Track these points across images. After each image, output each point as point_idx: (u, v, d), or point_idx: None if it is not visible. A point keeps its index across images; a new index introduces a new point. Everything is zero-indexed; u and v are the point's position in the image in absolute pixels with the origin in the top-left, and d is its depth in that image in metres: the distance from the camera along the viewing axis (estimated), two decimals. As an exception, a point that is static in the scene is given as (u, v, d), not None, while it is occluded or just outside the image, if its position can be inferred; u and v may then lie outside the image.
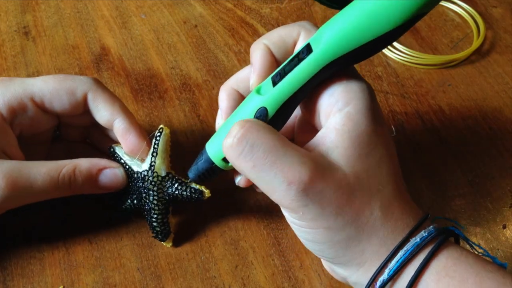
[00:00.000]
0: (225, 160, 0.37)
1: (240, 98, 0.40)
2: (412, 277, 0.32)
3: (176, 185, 0.41)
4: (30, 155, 0.42)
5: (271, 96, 0.34)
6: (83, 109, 0.43)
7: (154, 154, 0.41)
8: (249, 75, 0.38)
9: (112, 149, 0.43)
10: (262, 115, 0.35)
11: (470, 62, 0.58)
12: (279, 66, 0.36)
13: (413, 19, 0.31)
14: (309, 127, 0.38)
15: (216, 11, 0.64)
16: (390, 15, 0.30)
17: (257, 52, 0.38)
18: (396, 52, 0.58)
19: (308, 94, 0.35)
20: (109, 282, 0.42)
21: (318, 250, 0.35)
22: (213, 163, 0.38)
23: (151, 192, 0.41)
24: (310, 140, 0.35)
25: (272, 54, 0.38)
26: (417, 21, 0.31)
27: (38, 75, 0.56)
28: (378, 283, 0.33)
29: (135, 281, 0.42)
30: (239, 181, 0.39)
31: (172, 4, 0.65)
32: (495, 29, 0.61)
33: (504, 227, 0.45)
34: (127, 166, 0.42)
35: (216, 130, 0.39)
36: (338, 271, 0.37)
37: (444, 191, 0.48)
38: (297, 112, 0.41)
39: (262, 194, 0.46)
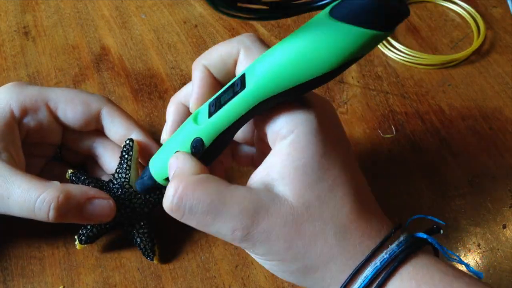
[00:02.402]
0: (167, 179, 0.37)
1: (187, 113, 0.39)
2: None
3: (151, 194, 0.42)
4: (26, 166, 0.42)
5: (206, 127, 0.33)
6: (95, 125, 0.43)
7: (127, 168, 0.41)
8: (223, 55, 0.37)
9: (73, 174, 0.42)
10: (198, 145, 0.34)
11: (470, 62, 0.58)
12: (220, 87, 0.35)
13: (349, 62, 0.29)
14: (265, 141, 0.37)
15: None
16: (323, 59, 0.28)
17: (196, 74, 0.37)
18: (396, 52, 0.58)
19: (247, 122, 0.34)
20: (109, 282, 0.42)
21: (279, 275, 0.35)
22: (156, 181, 0.38)
23: (129, 206, 0.41)
24: (268, 152, 0.34)
25: (212, 76, 0.37)
26: (352, 64, 0.29)
27: (38, 75, 0.56)
28: None
29: (135, 281, 0.42)
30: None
31: (172, 4, 0.65)
32: (495, 29, 0.61)
33: (504, 227, 0.45)
34: (98, 181, 0.42)
35: (161, 143, 0.39)
36: None
37: (444, 191, 0.48)
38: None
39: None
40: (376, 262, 0.31)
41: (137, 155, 0.42)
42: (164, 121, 0.52)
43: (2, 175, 0.38)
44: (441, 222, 0.38)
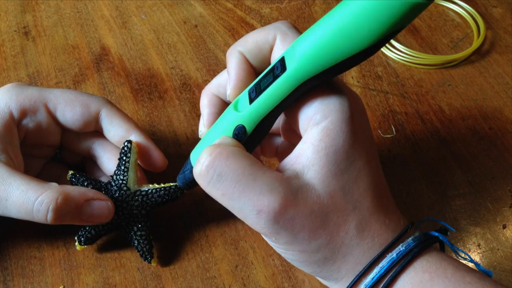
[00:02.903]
0: None
1: (221, 104, 0.39)
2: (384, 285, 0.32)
3: (153, 192, 0.41)
4: (24, 167, 0.42)
5: (248, 113, 0.34)
6: (94, 126, 0.43)
7: (125, 170, 0.41)
8: (258, 41, 0.37)
9: (73, 175, 0.42)
10: (240, 132, 0.34)
11: (470, 62, 0.58)
12: (256, 75, 0.35)
13: (390, 35, 0.28)
14: (293, 129, 0.38)
15: (216, 11, 0.64)
16: (366, 32, 0.28)
17: (232, 61, 0.37)
18: (396, 52, 0.58)
19: (288, 107, 0.34)
20: (109, 282, 0.42)
21: (296, 265, 0.35)
22: None
23: (127, 208, 0.41)
24: (295, 141, 0.35)
25: (248, 63, 0.37)
26: (393, 37, 0.29)
27: (38, 75, 0.56)
28: None
29: (135, 281, 0.42)
30: None
31: (172, 4, 0.65)
32: (495, 29, 0.61)
33: (504, 227, 0.45)
34: (98, 183, 0.42)
35: (199, 137, 0.39)
36: (319, 280, 0.37)
37: (444, 191, 0.48)
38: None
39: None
40: (393, 254, 0.32)
41: (136, 157, 0.42)
42: (164, 121, 0.52)
43: (0, 177, 0.37)
44: (450, 227, 0.38)
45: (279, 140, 0.42)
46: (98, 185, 0.42)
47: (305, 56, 0.30)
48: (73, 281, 0.42)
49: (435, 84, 0.56)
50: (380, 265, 0.32)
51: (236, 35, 0.61)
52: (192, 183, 0.38)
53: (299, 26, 0.62)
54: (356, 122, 0.33)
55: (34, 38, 0.60)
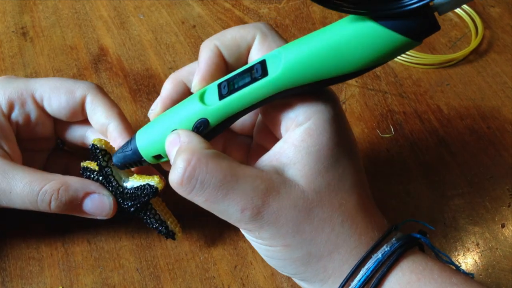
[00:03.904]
0: (155, 157, 0.36)
1: (185, 92, 0.38)
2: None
3: (151, 216, 0.41)
4: (28, 161, 0.42)
5: (216, 108, 0.33)
6: (82, 115, 0.43)
7: (105, 171, 0.40)
8: (237, 38, 0.36)
9: (83, 168, 0.41)
10: (202, 126, 0.33)
11: (468, 62, 0.58)
12: (228, 71, 0.35)
13: (380, 63, 0.29)
14: (269, 132, 0.37)
15: (214, 11, 0.64)
16: (357, 56, 0.29)
17: (206, 53, 0.36)
18: (394, 52, 0.58)
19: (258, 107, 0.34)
20: (108, 283, 0.42)
21: (279, 266, 0.35)
22: (141, 157, 0.36)
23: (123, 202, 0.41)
24: (268, 144, 0.34)
25: (222, 58, 0.36)
26: (378, 66, 0.30)
27: (36, 76, 0.56)
28: None
29: (134, 282, 0.42)
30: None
31: (170, 4, 0.65)
32: (493, 29, 0.61)
33: (503, 226, 0.45)
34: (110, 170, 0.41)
35: (149, 117, 0.38)
36: (302, 286, 0.36)
37: (442, 190, 0.48)
38: (256, 113, 0.40)
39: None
40: (378, 255, 0.32)
41: (109, 155, 0.40)
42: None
43: (2, 171, 0.38)
44: (430, 226, 0.39)
45: (248, 140, 0.41)
46: (108, 179, 0.41)
47: (292, 66, 0.30)
48: (71, 282, 0.42)
49: (434, 83, 0.56)
50: (367, 266, 0.32)
51: (234, 35, 0.61)
52: (130, 164, 0.38)
53: (297, 26, 0.62)
54: (339, 122, 0.33)
55: (32, 39, 0.60)
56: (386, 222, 0.35)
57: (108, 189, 0.40)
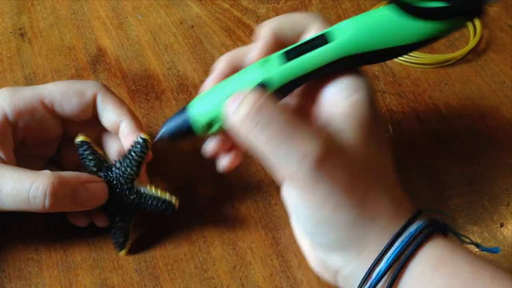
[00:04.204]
0: (207, 126, 0.35)
1: (238, 68, 0.37)
2: (400, 264, 0.32)
3: (147, 197, 0.41)
4: (24, 166, 0.41)
5: (279, 72, 0.34)
6: (91, 113, 0.43)
7: (133, 163, 0.41)
8: (300, 20, 0.37)
9: (81, 142, 0.42)
10: (263, 89, 0.34)
11: (467, 61, 0.58)
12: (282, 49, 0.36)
13: (434, 39, 0.33)
14: (304, 116, 0.38)
15: (212, 11, 0.64)
16: (416, 31, 0.32)
17: (266, 31, 0.37)
18: (392, 52, 0.58)
19: (310, 81, 0.35)
20: (107, 284, 0.42)
21: (321, 232, 0.34)
22: (191, 127, 0.36)
23: (120, 200, 0.41)
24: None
25: (278, 38, 0.37)
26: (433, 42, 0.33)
27: (34, 77, 0.56)
28: (375, 273, 0.33)
29: (133, 282, 0.42)
30: (223, 165, 0.39)
31: (168, 5, 0.65)
32: (491, 28, 0.61)
33: (502, 225, 0.45)
34: (101, 163, 0.42)
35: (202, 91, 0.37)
36: (331, 260, 0.35)
37: (441, 190, 0.48)
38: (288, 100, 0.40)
39: (260, 193, 0.47)
40: (411, 229, 0.33)
41: (146, 156, 0.41)
42: (161, 121, 0.52)
43: None
44: (447, 214, 0.41)
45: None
46: (99, 164, 0.41)
47: (358, 32, 0.33)
48: (70, 283, 0.42)
49: (432, 83, 0.56)
50: (401, 238, 0.33)
51: (232, 36, 0.61)
52: (176, 137, 0.37)
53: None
54: (375, 103, 0.35)
55: (30, 40, 0.60)
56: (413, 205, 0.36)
57: (103, 173, 0.41)
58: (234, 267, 0.43)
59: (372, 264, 0.33)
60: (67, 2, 0.65)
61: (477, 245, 0.38)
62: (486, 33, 0.61)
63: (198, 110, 0.35)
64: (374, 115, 0.34)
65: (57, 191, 0.37)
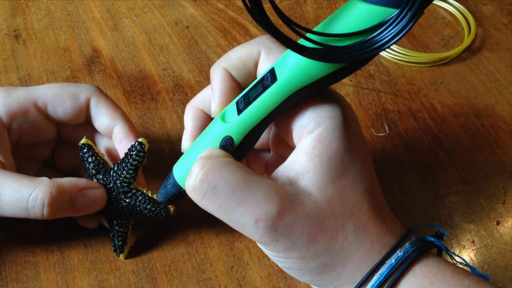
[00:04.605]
0: None
1: (206, 118, 0.38)
2: None
3: (142, 201, 0.41)
4: (21, 171, 0.41)
5: (236, 124, 0.33)
6: (85, 117, 0.43)
7: (129, 166, 0.40)
8: (242, 57, 0.37)
9: (83, 145, 0.42)
10: (227, 144, 0.33)
11: (461, 60, 0.58)
12: (241, 90, 0.35)
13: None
14: (284, 141, 0.37)
15: (207, 11, 0.64)
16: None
17: (217, 77, 0.36)
18: (387, 51, 0.58)
19: (277, 118, 0.34)
20: (104, 286, 0.41)
21: (295, 275, 0.35)
22: (181, 188, 0.37)
23: (117, 203, 0.41)
24: (286, 154, 0.34)
25: (232, 79, 0.36)
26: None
27: (29, 79, 0.56)
28: None
29: (131, 284, 0.42)
30: None
31: (163, 6, 0.64)
32: (485, 27, 0.62)
33: (498, 223, 0.45)
34: (101, 166, 0.42)
35: (182, 151, 0.38)
36: None
37: (437, 188, 0.48)
38: (272, 126, 0.40)
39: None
40: (391, 260, 0.32)
41: (144, 160, 0.41)
42: (157, 122, 0.52)
43: None
44: (444, 232, 0.38)
45: (267, 155, 0.42)
46: (98, 167, 0.41)
47: (297, 66, 0.30)
48: (67, 285, 0.41)
49: (427, 82, 0.56)
50: (380, 271, 0.32)
51: (227, 36, 0.61)
52: (174, 198, 0.38)
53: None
54: (350, 128, 0.33)
55: (25, 41, 0.60)
56: (399, 224, 0.35)
57: (101, 176, 0.41)
58: (232, 267, 0.43)
59: None
60: (62, 4, 0.64)
61: (472, 268, 0.36)
62: (481, 32, 0.61)
63: (182, 174, 0.36)
64: (344, 146, 0.32)
65: (56, 201, 0.37)
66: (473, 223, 0.46)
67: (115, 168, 0.41)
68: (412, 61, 0.58)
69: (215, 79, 0.36)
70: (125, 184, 0.41)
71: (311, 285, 0.37)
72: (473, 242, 0.44)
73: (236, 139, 0.33)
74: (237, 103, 0.34)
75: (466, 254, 0.44)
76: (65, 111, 0.42)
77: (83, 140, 0.42)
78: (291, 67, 0.31)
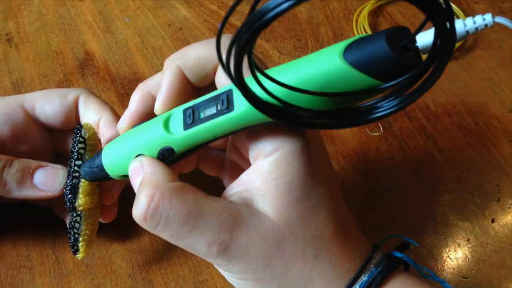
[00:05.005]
0: (123, 176, 0.35)
1: (152, 105, 0.36)
2: None
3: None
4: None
5: (180, 138, 0.31)
6: (75, 119, 0.42)
7: (74, 151, 0.39)
8: (201, 58, 0.34)
9: (80, 130, 0.40)
10: (167, 154, 0.32)
11: (454, 59, 0.59)
12: (193, 92, 0.34)
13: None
14: (239, 152, 0.36)
15: (200, 13, 0.64)
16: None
17: (168, 75, 0.34)
18: (381, 50, 0.59)
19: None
20: (100, 289, 0.41)
21: None
22: (108, 174, 0.36)
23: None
24: (241, 163, 0.34)
25: (185, 81, 0.35)
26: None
27: (22, 82, 0.55)
28: None
29: (127, 287, 0.41)
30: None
31: (156, 7, 0.64)
32: (477, 25, 0.62)
33: (493, 221, 0.46)
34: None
35: (117, 129, 0.37)
36: None
37: (432, 187, 0.48)
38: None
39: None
40: (356, 287, 0.31)
41: (94, 142, 0.40)
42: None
43: None
44: (414, 243, 0.37)
45: (221, 154, 0.40)
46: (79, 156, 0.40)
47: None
48: (63, 289, 0.41)
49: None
50: None
51: (221, 37, 0.61)
52: (97, 179, 0.38)
53: (284, 26, 0.62)
54: (311, 149, 0.31)
55: (17, 45, 0.60)
56: (367, 244, 0.34)
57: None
58: (228, 269, 0.43)
59: None
60: (54, 7, 0.64)
61: (441, 281, 0.35)
62: (473, 30, 0.61)
63: (111, 162, 0.36)
64: (304, 169, 0.30)
65: (15, 168, 0.38)
66: (468, 221, 0.46)
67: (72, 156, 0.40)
68: (405, 60, 0.58)
69: (166, 77, 0.34)
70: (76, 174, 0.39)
71: None
72: (468, 240, 0.45)
73: (177, 151, 0.32)
74: (184, 112, 0.32)
75: (462, 252, 0.44)
76: (54, 110, 0.40)
77: (86, 125, 0.40)
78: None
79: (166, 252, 0.43)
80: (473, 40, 0.60)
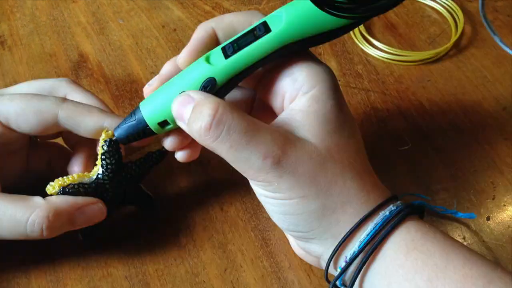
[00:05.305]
0: (161, 124, 0.36)
1: (214, 42, 0.37)
2: (372, 247, 0.33)
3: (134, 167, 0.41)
4: (6, 167, 0.40)
5: (222, 67, 0.34)
6: (56, 129, 0.40)
7: (106, 162, 0.39)
8: (234, 22, 0.37)
9: (110, 142, 0.39)
10: (210, 85, 0.34)
11: (448, 57, 0.59)
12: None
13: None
14: (267, 109, 0.39)
15: (194, 14, 0.64)
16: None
17: (200, 32, 0.37)
18: (375, 50, 0.59)
19: (263, 69, 0.36)
20: (97, 292, 0.41)
21: (292, 224, 0.35)
22: (147, 125, 0.36)
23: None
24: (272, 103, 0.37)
25: (215, 40, 0.37)
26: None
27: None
28: (349, 255, 0.34)
29: (124, 290, 0.41)
30: (180, 158, 0.39)
31: (149, 9, 0.64)
32: (471, 24, 0.62)
33: (488, 219, 0.46)
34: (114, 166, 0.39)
35: (144, 93, 0.38)
36: (312, 249, 0.36)
37: (427, 185, 0.48)
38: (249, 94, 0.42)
39: (249, 195, 0.47)
40: (386, 212, 0.34)
41: (119, 153, 0.39)
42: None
43: None
44: (426, 197, 0.41)
45: (251, 93, 0.42)
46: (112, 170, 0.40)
47: (294, 19, 0.33)
48: (60, 292, 0.41)
49: (415, 80, 0.57)
50: (375, 221, 0.34)
51: (215, 38, 0.61)
52: (134, 136, 0.37)
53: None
54: (339, 91, 0.36)
55: (10, 48, 0.59)
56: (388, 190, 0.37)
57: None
58: (225, 270, 0.43)
59: (338, 244, 0.34)
60: (47, 9, 0.64)
61: (453, 213, 0.39)
62: (467, 29, 0.62)
63: (150, 110, 0.36)
64: (337, 105, 0.35)
65: (54, 224, 0.37)
66: (463, 219, 0.46)
67: (100, 170, 0.40)
68: (400, 59, 0.58)
69: (197, 33, 0.37)
70: (107, 179, 0.40)
71: (302, 248, 0.38)
72: (464, 238, 0.45)
73: (220, 81, 0.34)
74: (223, 48, 0.35)
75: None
76: (30, 126, 0.39)
77: (105, 135, 0.39)
78: (288, 20, 0.33)
79: (162, 253, 0.43)
80: (467, 39, 0.61)
